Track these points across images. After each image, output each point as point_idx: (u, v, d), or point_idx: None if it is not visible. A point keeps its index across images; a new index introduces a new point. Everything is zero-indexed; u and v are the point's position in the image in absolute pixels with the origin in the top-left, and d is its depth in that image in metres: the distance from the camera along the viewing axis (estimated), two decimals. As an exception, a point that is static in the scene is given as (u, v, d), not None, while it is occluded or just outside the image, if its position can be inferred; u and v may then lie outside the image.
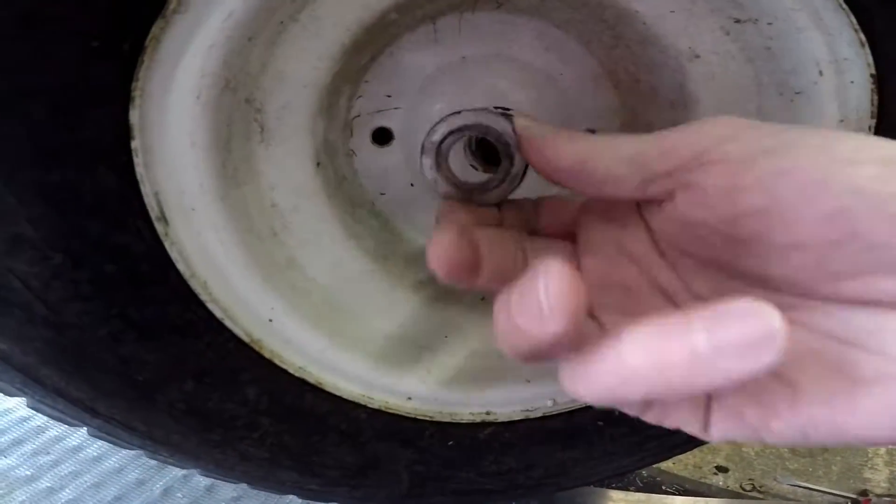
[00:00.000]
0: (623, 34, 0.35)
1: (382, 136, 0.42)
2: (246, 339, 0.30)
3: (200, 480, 0.58)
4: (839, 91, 0.28)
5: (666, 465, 0.58)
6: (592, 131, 0.44)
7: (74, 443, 0.62)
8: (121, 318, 0.27)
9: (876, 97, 0.28)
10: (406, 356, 0.38)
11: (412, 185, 0.45)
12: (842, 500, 0.56)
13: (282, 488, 0.39)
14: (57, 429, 0.64)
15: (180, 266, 0.27)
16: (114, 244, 0.25)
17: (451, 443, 0.38)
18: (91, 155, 0.23)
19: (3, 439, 0.62)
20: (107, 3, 0.21)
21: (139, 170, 0.24)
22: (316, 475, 0.37)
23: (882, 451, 0.63)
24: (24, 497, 0.55)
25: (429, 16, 0.36)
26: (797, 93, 0.29)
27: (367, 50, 0.35)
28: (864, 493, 0.56)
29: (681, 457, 0.60)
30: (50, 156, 0.22)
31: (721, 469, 0.59)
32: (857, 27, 0.26)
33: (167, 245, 0.26)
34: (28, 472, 0.58)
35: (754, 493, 0.56)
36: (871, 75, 0.27)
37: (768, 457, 0.61)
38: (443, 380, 0.38)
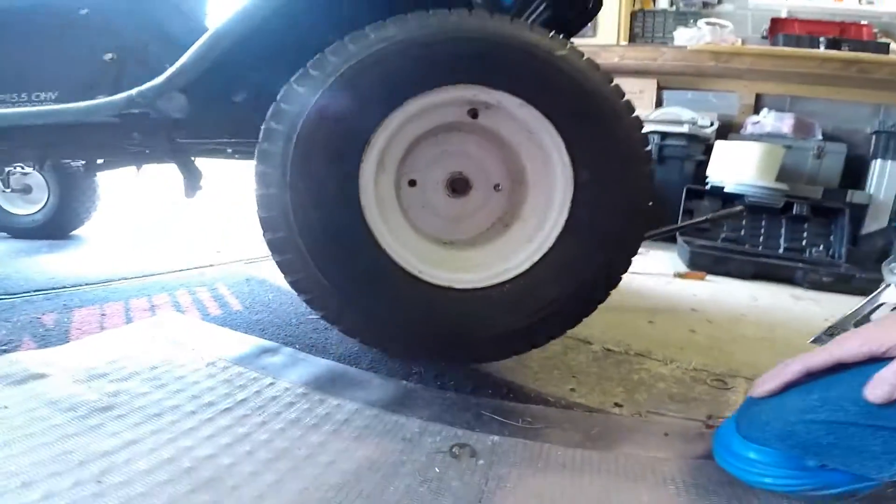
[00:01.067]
0: (504, 142, 0.95)
1: (413, 182, 0.99)
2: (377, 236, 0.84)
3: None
4: (563, 167, 0.87)
5: (572, 399, 0.90)
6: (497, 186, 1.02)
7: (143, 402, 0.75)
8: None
9: (572, 173, 0.86)
10: (432, 263, 0.91)
11: (423, 207, 1.02)
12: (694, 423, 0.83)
13: (372, 320, 0.87)
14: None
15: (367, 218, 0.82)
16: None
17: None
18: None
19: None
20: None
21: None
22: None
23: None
24: (96, 421, 0.67)
25: (435, 133, 0.95)
26: (550, 163, 0.88)
27: (411, 145, 0.93)
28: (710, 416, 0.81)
29: (587, 395, 0.93)
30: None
31: (618, 405, 0.90)
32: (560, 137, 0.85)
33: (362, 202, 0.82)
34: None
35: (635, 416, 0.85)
36: (569, 159, 0.86)
37: (653, 401, 0.93)
38: (440, 270, 0.91)
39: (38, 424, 0.64)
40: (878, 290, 1.49)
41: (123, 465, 0.58)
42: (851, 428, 0.56)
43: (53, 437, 0.62)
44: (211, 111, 1.03)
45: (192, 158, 1.23)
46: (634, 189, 0.85)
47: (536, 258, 0.89)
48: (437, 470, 0.64)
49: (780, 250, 2.69)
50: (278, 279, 1.60)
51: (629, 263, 0.89)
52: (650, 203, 0.85)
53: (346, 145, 0.80)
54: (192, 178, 1.16)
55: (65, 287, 1.39)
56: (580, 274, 0.88)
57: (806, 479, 0.60)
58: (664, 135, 2.82)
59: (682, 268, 2.42)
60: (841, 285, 2.35)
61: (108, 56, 0.95)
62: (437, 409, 0.82)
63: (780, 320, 1.71)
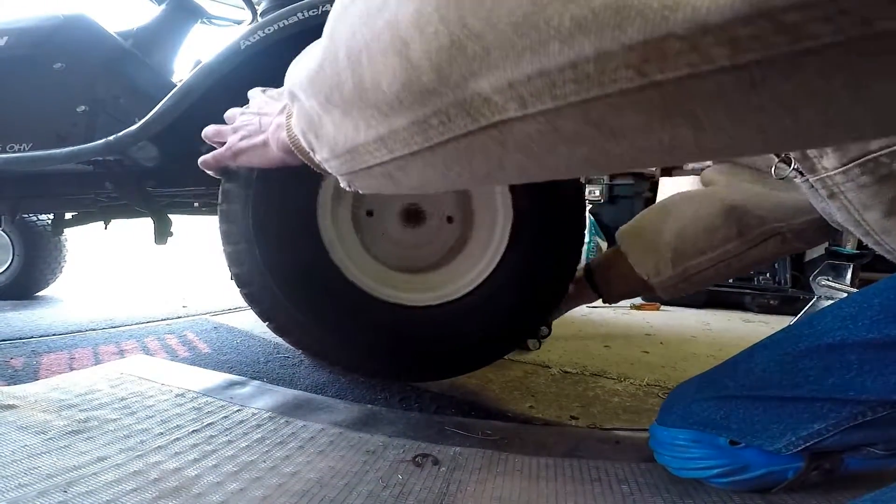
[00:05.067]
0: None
1: (370, 213, 1.07)
2: (343, 270, 0.91)
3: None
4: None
5: (530, 414, 0.95)
6: (451, 218, 1.11)
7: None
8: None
9: (510, 195, 0.96)
10: (387, 284, 0.98)
11: (381, 235, 1.09)
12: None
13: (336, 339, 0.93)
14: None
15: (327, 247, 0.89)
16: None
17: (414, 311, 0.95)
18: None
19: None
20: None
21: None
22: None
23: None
24: (65, 443, 0.69)
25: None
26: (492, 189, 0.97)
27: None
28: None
29: (544, 410, 0.98)
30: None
31: (574, 417, 0.94)
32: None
33: (321, 234, 0.89)
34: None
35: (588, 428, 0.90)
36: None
37: (607, 413, 0.99)
38: (395, 289, 0.98)
39: (6, 447, 0.66)
40: (811, 302, 1.61)
41: (90, 478, 0.60)
42: (734, 401, 0.62)
43: (22, 456, 0.63)
44: (179, 161, 1.09)
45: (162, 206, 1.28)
46: (566, 203, 0.94)
47: (486, 275, 0.96)
48: (401, 477, 0.68)
49: (730, 280, 2.82)
50: (246, 326, 1.63)
51: (573, 271, 0.97)
52: (582, 216, 0.94)
53: (302, 176, 0.87)
54: (163, 226, 1.21)
55: (32, 337, 1.39)
56: (527, 287, 0.95)
57: (722, 458, 0.63)
58: (612, 175, 3.00)
59: (638, 300, 2.52)
60: (787, 307, 2.47)
61: (81, 108, 1.01)
62: (401, 426, 0.86)
63: (730, 339, 1.79)
